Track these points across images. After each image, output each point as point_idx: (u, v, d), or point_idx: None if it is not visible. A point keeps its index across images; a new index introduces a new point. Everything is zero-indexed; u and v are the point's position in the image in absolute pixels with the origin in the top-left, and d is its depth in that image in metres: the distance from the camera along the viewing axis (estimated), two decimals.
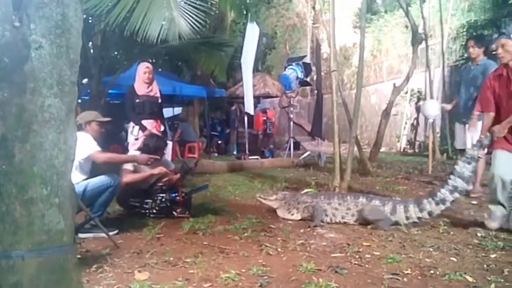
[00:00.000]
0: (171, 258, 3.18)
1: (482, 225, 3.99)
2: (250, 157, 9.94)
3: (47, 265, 1.44)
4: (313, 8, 16.67)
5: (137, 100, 5.50)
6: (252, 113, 10.90)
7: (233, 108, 14.78)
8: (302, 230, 4.01)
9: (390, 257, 3.11)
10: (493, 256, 3.15)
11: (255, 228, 4.01)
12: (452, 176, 3.92)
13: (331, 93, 5.95)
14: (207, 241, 3.66)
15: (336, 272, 2.88)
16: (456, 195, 3.90)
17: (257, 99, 14.23)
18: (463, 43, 12.09)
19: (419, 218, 3.99)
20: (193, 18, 6.17)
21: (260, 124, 12.82)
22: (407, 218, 4.01)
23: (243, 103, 14.18)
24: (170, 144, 6.35)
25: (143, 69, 5.56)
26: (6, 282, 1.37)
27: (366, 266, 3.01)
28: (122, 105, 6.53)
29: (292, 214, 4.42)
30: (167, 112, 13.17)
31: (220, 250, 3.40)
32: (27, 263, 1.40)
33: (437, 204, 3.92)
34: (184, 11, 6.15)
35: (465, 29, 12.06)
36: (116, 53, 10.60)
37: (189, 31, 5.99)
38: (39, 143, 1.41)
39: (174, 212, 4.48)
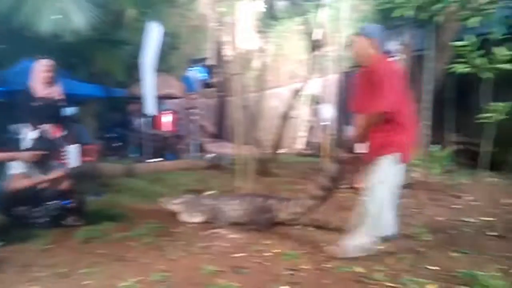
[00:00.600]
0: (64, 270, 2.99)
1: None
2: (151, 160, 9.65)
3: None
4: (216, 10, 16.74)
5: (35, 103, 4.77)
6: (154, 114, 10.61)
7: (133, 108, 14.22)
8: (204, 233, 3.99)
9: (289, 254, 3.25)
10: (379, 247, 3.43)
11: (155, 234, 3.91)
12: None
13: (235, 95, 6.01)
14: (104, 250, 3.48)
15: (237, 272, 2.93)
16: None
17: (159, 99, 13.86)
18: None
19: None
20: (91, 13, 5.82)
21: (163, 126, 12.50)
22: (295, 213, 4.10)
23: (141, 103, 13.72)
24: (74, 147, 5.73)
25: (42, 67, 4.81)
26: None
27: (266, 264, 3.10)
28: (10, 104, 5.87)
29: (194, 217, 4.38)
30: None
31: (117, 258, 3.26)
32: None
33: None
34: (81, 6, 5.78)
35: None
36: (3, 46, 9.61)
37: (86, 27, 5.64)
38: None
39: (66, 221, 4.18)
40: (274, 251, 3.39)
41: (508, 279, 2.59)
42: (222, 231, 4.03)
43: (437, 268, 2.92)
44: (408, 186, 5.62)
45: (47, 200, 4.17)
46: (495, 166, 6.91)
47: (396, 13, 5.85)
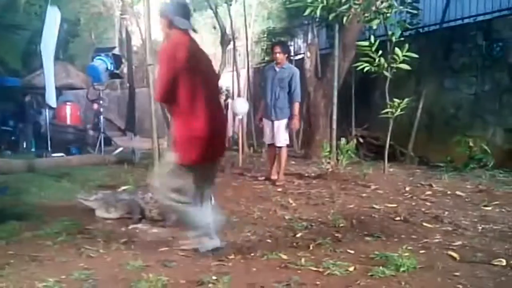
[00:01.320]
0: None
1: (285, 208, 4.54)
2: (53, 155, 8.99)
3: None
4: None
5: None
6: (54, 105, 9.87)
7: (28, 99, 13.09)
8: (123, 229, 3.85)
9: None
10: (299, 235, 3.61)
11: (70, 231, 3.68)
12: None
13: (146, 87, 5.84)
14: (13, 250, 3.20)
15: (165, 265, 2.89)
16: None
17: (59, 90, 12.93)
18: (264, 47, 13.38)
19: None
20: None
21: (64, 118, 11.69)
22: None
23: (40, 93, 12.69)
24: None
25: None
26: None
27: (193, 256, 3.09)
28: None
29: (110, 213, 4.21)
30: None
31: (31, 258, 3.02)
32: None
33: None
34: None
35: (265, 35, 13.32)
36: None
37: None
38: None
39: None
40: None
41: (416, 257, 2.89)
42: (142, 226, 3.93)
43: (354, 251, 3.15)
44: (320, 176, 6.01)
45: None
46: (394, 157, 7.64)
47: (307, 12, 6.11)
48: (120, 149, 9.57)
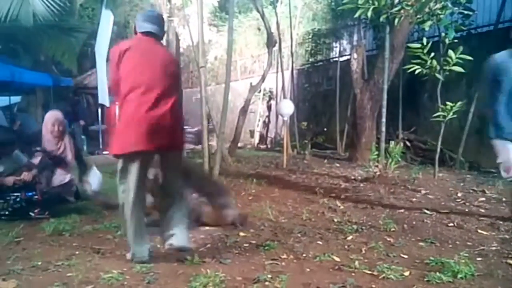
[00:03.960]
0: (39, 263, 2.88)
1: (334, 210, 4.54)
2: (105, 152, 9.37)
3: None
4: (169, 1, 16.40)
5: None
6: (107, 104, 10.28)
7: (80, 98, 13.71)
8: None
9: (266, 245, 3.33)
10: (350, 238, 3.61)
11: None
12: None
13: (197, 88, 6.00)
14: (77, 242, 3.41)
15: (220, 262, 2.97)
16: None
17: (108, 90, 13.44)
18: (308, 48, 13.36)
19: None
20: None
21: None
22: None
23: (91, 93, 13.22)
24: None
25: None
26: None
27: (247, 254, 3.16)
28: None
29: None
30: (3, 101, 11.56)
31: (94, 250, 3.20)
32: None
33: None
34: None
35: (310, 36, 13.30)
36: None
37: (45, 12, 5.39)
38: None
39: (31, 213, 4.02)
40: (252, 242, 3.46)
41: (473, 264, 2.83)
42: None
43: (408, 256, 3.12)
44: (367, 180, 5.95)
45: (9, 192, 3.99)
46: (443, 162, 7.45)
47: (357, 14, 6.07)
48: None
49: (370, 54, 10.15)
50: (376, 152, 6.19)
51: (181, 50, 15.65)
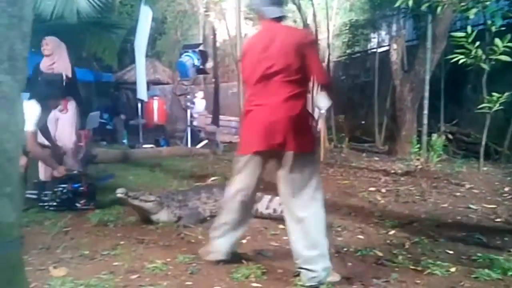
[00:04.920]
0: (87, 252, 2.99)
1: (374, 205, 4.46)
2: (144, 146, 9.60)
3: None
4: None
5: (40, 77, 4.85)
6: (146, 99, 10.52)
7: (120, 93, 14.06)
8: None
9: None
10: (391, 232, 3.55)
11: None
12: None
13: (233, 82, 6.03)
14: (122, 233, 3.50)
15: (261, 255, 2.99)
16: None
17: (147, 85, 13.74)
18: (345, 40, 13.14)
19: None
20: None
21: (151, 111, 12.41)
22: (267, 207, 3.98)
23: (130, 88, 13.55)
24: None
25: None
26: None
27: (287, 247, 3.14)
28: None
29: (177, 216, 3.82)
30: None
31: (138, 241, 3.28)
32: None
33: None
34: None
35: (347, 27, 13.07)
36: None
37: (88, 9, 5.54)
38: None
39: (77, 204, 4.17)
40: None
41: None
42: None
43: (454, 252, 3.03)
44: (408, 173, 5.81)
45: (57, 183, 4.15)
46: (487, 155, 7.17)
47: (398, 3, 5.91)
48: (205, 141, 9.94)
49: (410, 44, 9.88)
50: (418, 145, 6.04)
51: (217, 44, 15.80)
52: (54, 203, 4.10)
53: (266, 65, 2.49)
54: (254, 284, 2.49)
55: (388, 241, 3.30)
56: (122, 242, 3.24)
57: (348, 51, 12.97)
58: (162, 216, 3.76)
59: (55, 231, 3.46)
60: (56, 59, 5.02)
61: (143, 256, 2.94)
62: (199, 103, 11.94)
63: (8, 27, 1.25)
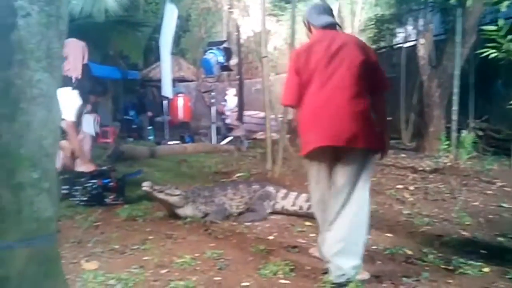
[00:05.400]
0: (117, 246, 3.04)
1: (402, 202, 4.39)
2: (170, 142, 9.71)
3: (35, 256, 1.30)
4: None
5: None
6: (171, 96, 10.64)
7: (145, 91, 14.27)
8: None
9: None
10: (421, 231, 3.49)
11: None
12: None
13: (257, 79, 6.04)
14: (150, 228, 3.55)
15: (288, 251, 2.99)
16: None
17: (172, 82, 13.90)
18: (370, 35, 12.95)
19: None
20: None
21: (176, 108, 12.55)
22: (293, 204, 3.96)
23: (156, 86, 13.74)
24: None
25: None
26: None
27: (314, 244, 3.14)
28: None
29: (202, 212, 3.86)
30: None
31: (166, 236, 3.32)
32: (15, 254, 1.26)
33: None
34: None
35: (372, 22, 12.88)
36: None
37: (116, 8, 5.63)
38: (27, 122, 1.26)
39: (107, 199, 4.26)
40: (318, 232, 3.43)
41: None
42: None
43: (486, 251, 2.96)
44: (437, 171, 5.70)
45: (87, 179, 4.25)
46: None
47: None
48: (229, 138, 9.99)
49: (438, 39, 9.66)
50: (447, 142, 5.91)
51: (241, 41, 15.82)
52: (85, 198, 4.19)
53: (331, 70, 2.49)
54: (282, 281, 2.49)
55: (417, 240, 3.25)
56: (151, 237, 3.29)
57: (374, 46, 12.77)
58: (188, 210, 3.80)
59: (86, 226, 3.53)
60: (71, 61, 5.05)
61: (171, 251, 2.98)
62: (231, 100, 11.97)
63: (46, 26, 1.28)
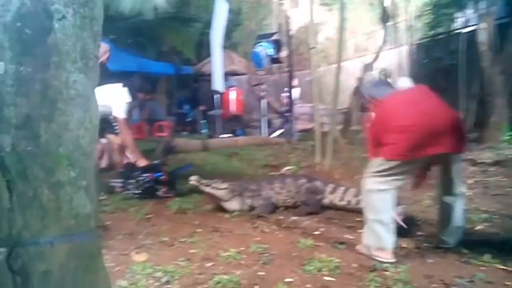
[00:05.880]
0: (166, 239, 3.13)
1: None
2: (222, 136, 9.84)
3: (75, 251, 1.36)
4: None
5: None
6: (221, 90, 10.75)
7: (198, 85, 14.52)
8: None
9: None
10: (479, 227, 3.29)
11: None
12: None
13: (307, 70, 5.95)
14: (199, 221, 3.62)
15: (335, 247, 2.93)
16: None
17: (224, 76, 14.03)
18: (427, 21, 12.36)
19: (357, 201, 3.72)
20: None
21: (228, 102, 12.67)
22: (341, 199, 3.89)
23: (209, 80, 13.96)
24: None
25: None
26: (35, 270, 1.28)
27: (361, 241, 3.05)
28: None
29: (248, 205, 3.90)
30: None
31: (214, 229, 3.37)
32: (56, 249, 1.31)
33: None
34: None
35: (429, 7, 12.27)
36: None
37: (165, 5, 5.76)
38: (65, 122, 1.30)
39: (158, 192, 4.39)
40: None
41: None
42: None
43: None
44: (498, 163, 5.35)
45: (140, 172, 4.39)
46: None
47: None
48: (280, 131, 9.96)
49: (500, 22, 9.02)
50: (510, 133, 5.53)
51: (292, 32, 15.68)
52: (138, 191, 4.34)
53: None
54: (327, 278, 2.44)
55: (474, 237, 3.06)
56: (199, 230, 3.35)
57: (430, 32, 12.19)
58: (234, 204, 3.86)
59: (138, 218, 3.67)
60: None
61: (218, 244, 3.01)
62: (294, 91, 11.72)
63: (80, 27, 1.32)
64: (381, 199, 2.74)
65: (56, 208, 1.31)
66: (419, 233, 3.20)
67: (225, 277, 2.40)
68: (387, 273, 2.44)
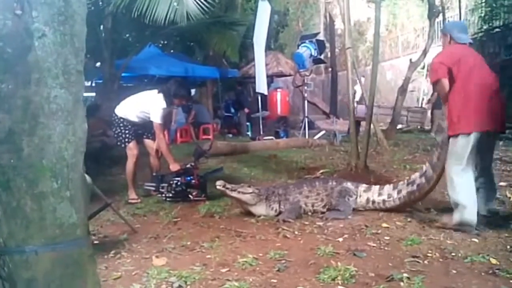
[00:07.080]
0: (189, 243, 3.17)
1: (502, 203, 3.89)
2: (265, 138, 9.87)
3: (61, 259, 1.41)
4: None
5: None
6: (265, 93, 10.78)
7: (242, 88, 14.62)
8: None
9: (410, 239, 3.05)
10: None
11: None
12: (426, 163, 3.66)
13: (346, 70, 5.83)
14: (224, 225, 3.65)
15: (354, 255, 2.84)
16: (423, 180, 3.60)
17: (270, 78, 14.05)
18: (482, 14, 11.71)
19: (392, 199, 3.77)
20: None
21: (275, 103, 12.66)
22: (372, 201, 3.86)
23: (254, 83, 14.07)
24: None
25: None
26: (20, 277, 1.36)
27: (386, 248, 2.95)
28: (135, 88, 6.44)
29: (274, 210, 3.87)
30: None
31: (237, 233, 3.38)
32: (41, 258, 1.37)
33: (407, 185, 3.71)
34: None
35: (484, 0, 11.63)
36: (127, 35, 10.54)
37: (197, 11, 5.87)
38: (47, 135, 1.37)
39: (190, 196, 4.48)
40: (394, 235, 3.21)
41: None
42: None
43: None
44: None
45: (173, 176, 4.50)
46: None
47: None
48: (322, 132, 9.83)
49: None
50: None
51: (338, 31, 15.44)
52: (170, 195, 4.45)
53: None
54: (340, 287, 2.37)
55: (509, 247, 2.85)
56: (222, 234, 3.37)
57: (485, 26, 11.54)
58: (260, 209, 3.85)
59: (166, 221, 3.76)
60: None
61: (237, 249, 3.02)
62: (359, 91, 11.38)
63: (61, 44, 1.37)
64: (464, 180, 3.15)
65: (39, 218, 1.37)
66: (449, 241, 3.03)
67: (236, 284, 2.40)
68: (402, 284, 2.33)
